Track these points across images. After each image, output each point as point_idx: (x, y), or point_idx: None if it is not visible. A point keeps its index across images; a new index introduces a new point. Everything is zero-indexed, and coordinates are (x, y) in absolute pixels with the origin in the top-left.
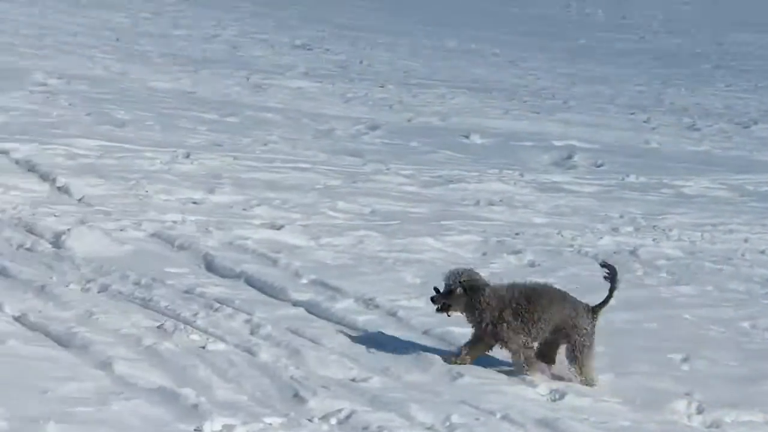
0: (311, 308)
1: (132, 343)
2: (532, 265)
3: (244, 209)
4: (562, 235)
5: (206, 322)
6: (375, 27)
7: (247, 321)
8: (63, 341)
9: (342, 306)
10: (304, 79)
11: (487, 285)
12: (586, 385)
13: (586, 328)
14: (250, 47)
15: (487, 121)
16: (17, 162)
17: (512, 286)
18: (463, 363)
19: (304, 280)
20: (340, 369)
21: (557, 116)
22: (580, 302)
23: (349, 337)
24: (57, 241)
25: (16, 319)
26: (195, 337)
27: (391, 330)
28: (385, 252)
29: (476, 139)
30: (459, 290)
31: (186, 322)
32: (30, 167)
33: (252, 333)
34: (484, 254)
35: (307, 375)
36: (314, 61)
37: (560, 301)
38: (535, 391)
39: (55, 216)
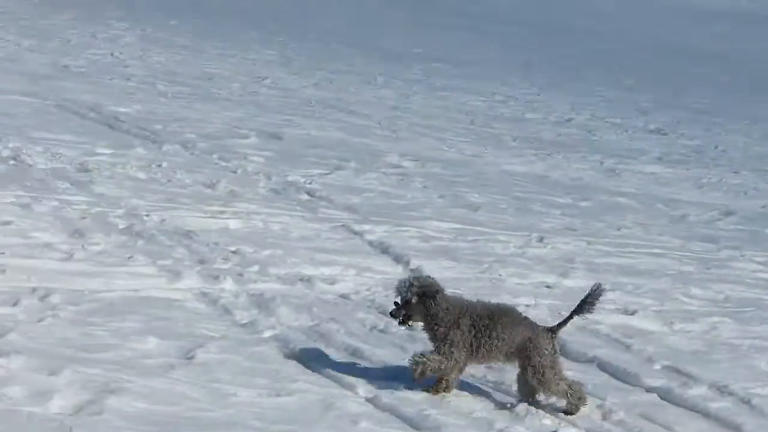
0: (664, 394)
1: (484, 426)
2: None
3: None
4: None
5: (558, 407)
6: (729, 111)
7: (600, 406)
8: (415, 423)
9: (695, 392)
10: (658, 164)
11: (441, 289)
12: (566, 404)
13: (546, 349)
14: (604, 131)
15: None
16: (371, 244)
17: (475, 301)
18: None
19: (657, 366)
20: None
21: None
22: (538, 324)
23: (703, 424)
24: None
25: (369, 400)
26: (547, 421)
27: (745, 417)
28: (739, 339)
29: None
30: (414, 298)
31: (538, 407)
32: (383, 249)
33: (604, 418)
34: None
35: None
36: (668, 145)
37: (521, 322)
38: None
39: None
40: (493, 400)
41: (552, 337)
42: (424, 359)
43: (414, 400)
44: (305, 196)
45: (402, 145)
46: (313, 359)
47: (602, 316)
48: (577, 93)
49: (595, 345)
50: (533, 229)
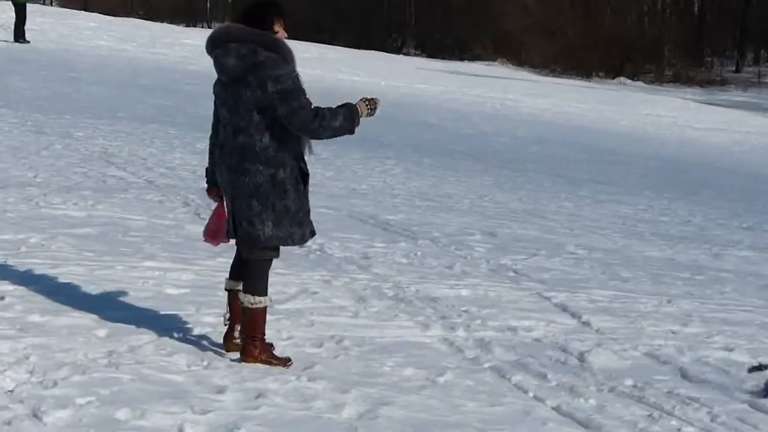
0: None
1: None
2: None
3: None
4: None
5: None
6: None
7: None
8: (585, 423)
9: None
10: (748, 251)
11: None
12: None
13: None
14: (712, 228)
15: None
16: (555, 305)
17: None
18: None
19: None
20: None
21: None
22: None
23: None
24: (581, 357)
25: (554, 408)
26: None
27: None
28: None
29: None
30: None
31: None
32: (563, 308)
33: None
34: None
35: None
36: (755, 237)
37: None
38: None
39: (580, 341)
40: (638, 409)
41: None
42: None
43: (585, 407)
44: (512, 274)
45: (577, 239)
46: (516, 381)
47: (709, 352)
48: (695, 203)
49: (705, 371)
50: (664, 294)
